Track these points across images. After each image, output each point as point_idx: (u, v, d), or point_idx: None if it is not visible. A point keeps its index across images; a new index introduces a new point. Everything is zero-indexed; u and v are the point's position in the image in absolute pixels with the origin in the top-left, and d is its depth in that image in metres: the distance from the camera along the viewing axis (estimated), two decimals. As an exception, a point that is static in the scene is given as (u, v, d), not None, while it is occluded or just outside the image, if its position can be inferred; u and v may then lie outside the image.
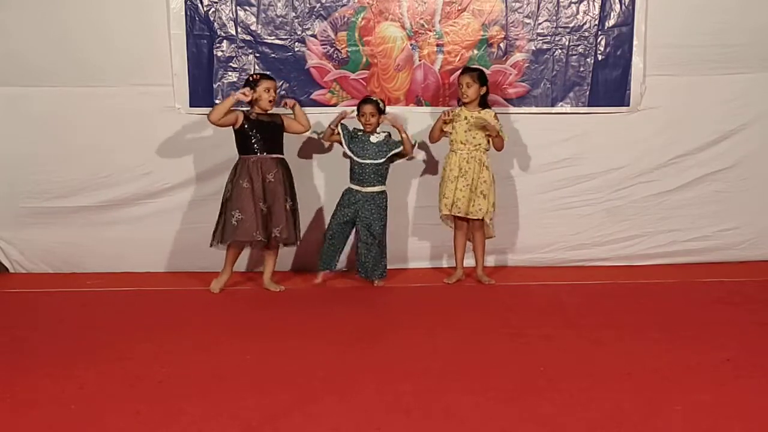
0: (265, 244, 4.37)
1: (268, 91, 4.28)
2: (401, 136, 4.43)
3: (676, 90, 4.83)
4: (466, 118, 4.45)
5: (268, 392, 2.88)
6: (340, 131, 4.43)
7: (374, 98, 4.51)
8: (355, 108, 4.50)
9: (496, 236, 4.67)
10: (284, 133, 4.43)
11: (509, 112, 4.82)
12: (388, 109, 4.55)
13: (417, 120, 4.83)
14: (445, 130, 4.52)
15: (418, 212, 4.93)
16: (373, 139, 4.44)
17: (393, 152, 4.44)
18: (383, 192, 4.51)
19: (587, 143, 4.89)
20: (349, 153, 4.44)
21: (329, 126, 4.46)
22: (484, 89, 4.45)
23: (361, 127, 4.48)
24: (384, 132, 4.49)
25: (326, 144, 4.71)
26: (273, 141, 4.35)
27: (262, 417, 2.67)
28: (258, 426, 2.60)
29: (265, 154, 4.30)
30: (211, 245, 4.36)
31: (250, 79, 4.32)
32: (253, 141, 4.29)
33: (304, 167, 4.83)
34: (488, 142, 4.49)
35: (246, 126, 4.27)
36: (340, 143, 4.47)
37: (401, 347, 3.41)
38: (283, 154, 4.41)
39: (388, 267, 4.58)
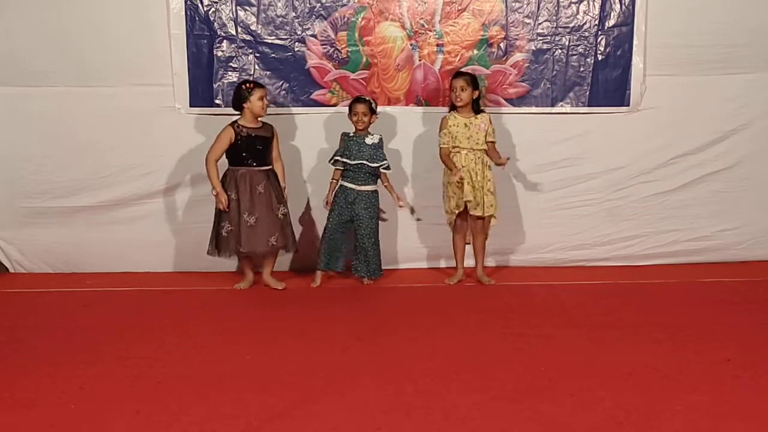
0: (247, 255, 4.42)
1: (262, 99, 4.33)
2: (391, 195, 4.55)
3: (676, 90, 4.83)
4: (466, 125, 4.44)
5: (268, 392, 2.89)
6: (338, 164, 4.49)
7: (366, 98, 4.50)
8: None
9: (496, 237, 4.65)
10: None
11: (509, 112, 4.82)
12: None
13: (417, 120, 4.84)
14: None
15: (417, 213, 4.92)
16: (368, 140, 4.44)
17: (382, 166, 4.47)
18: (376, 191, 4.54)
19: (587, 143, 4.89)
20: (345, 160, 4.43)
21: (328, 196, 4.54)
22: (476, 93, 4.46)
23: (352, 130, 4.46)
24: (378, 134, 4.49)
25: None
26: (263, 154, 4.38)
27: (262, 417, 2.67)
28: (258, 426, 2.61)
29: (255, 166, 4.34)
30: (207, 252, 4.43)
31: (243, 88, 4.33)
32: (244, 155, 4.32)
33: (297, 165, 4.83)
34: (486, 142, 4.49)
35: (240, 143, 4.31)
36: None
37: (401, 347, 3.41)
38: (272, 165, 4.44)
39: (388, 267, 4.58)
